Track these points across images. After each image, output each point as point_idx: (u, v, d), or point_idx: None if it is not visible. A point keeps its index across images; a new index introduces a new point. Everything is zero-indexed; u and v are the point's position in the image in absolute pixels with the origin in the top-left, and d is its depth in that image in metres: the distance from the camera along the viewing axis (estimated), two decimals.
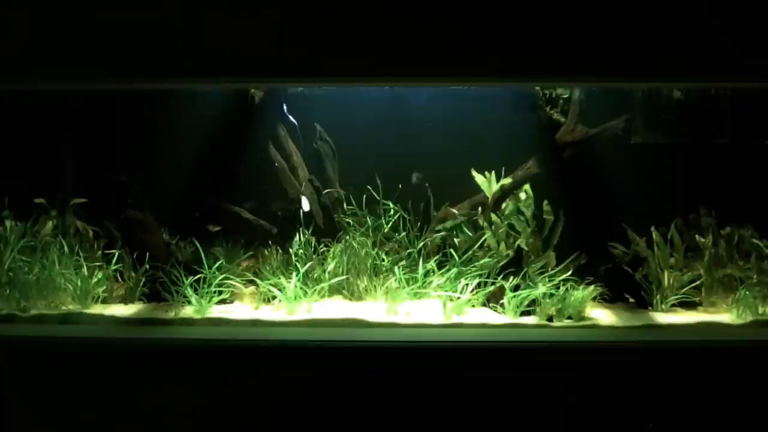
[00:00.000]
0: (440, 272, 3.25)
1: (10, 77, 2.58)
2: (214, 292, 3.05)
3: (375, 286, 3.28)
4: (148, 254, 3.19)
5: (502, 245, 3.35)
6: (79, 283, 3.08)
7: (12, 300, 3.02)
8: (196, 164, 3.68)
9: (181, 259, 3.19)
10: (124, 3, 2.48)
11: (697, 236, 3.30)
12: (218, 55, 2.49)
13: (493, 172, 3.53)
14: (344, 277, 3.30)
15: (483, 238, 3.39)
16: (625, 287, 3.23)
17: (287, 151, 3.76)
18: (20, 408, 2.62)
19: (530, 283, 3.04)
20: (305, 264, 3.25)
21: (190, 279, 3.03)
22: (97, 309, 3.06)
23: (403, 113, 3.74)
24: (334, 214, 3.68)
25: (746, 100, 3.47)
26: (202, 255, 3.13)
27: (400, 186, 3.62)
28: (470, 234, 3.48)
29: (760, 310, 3.00)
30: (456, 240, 3.48)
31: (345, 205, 3.71)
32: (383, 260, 3.37)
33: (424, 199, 3.63)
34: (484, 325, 2.89)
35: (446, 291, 3.05)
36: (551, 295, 2.96)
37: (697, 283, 3.16)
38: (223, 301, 3.11)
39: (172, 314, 2.95)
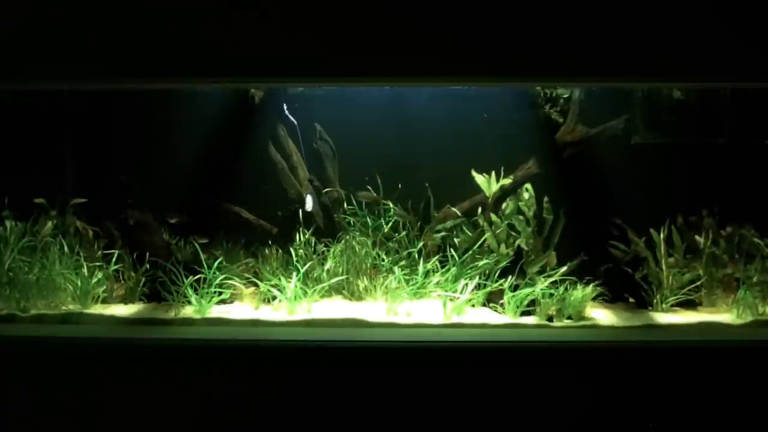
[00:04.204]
0: (440, 272, 3.25)
1: (9, 77, 2.58)
2: (214, 292, 3.05)
3: (375, 286, 3.28)
4: (148, 254, 3.19)
5: (502, 245, 3.35)
6: (79, 283, 3.08)
7: (12, 300, 3.02)
8: (196, 164, 3.68)
9: (181, 259, 3.19)
10: (124, 2, 2.48)
11: (696, 236, 3.30)
12: (218, 55, 2.49)
13: (493, 173, 3.53)
14: (343, 277, 3.30)
15: (483, 238, 3.39)
16: (625, 287, 3.23)
17: (287, 151, 3.77)
18: (20, 408, 2.62)
19: (529, 281, 3.04)
20: (305, 264, 3.25)
21: (190, 279, 3.03)
22: (97, 309, 3.06)
23: (403, 113, 3.74)
24: (334, 214, 3.68)
25: (746, 100, 3.47)
26: (201, 255, 3.13)
27: (399, 186, 3.62)
28: (470, 234, 3.48)
29: (760, 310, 3.01)
30: (456, 240, 3.47)
31: (345, 205, 3.71)
32: (383, 260, 3.38)
33: (424, 199, 3.63)
34: (484, 325, 2.89)
35: (446, 291, 3.05)
36: (551, 295, 2.96)
37: (698, 283, 3.16)
38: (223, 301, 3.12)
39: (172, 314, 2.95)
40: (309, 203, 3.57)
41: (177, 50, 2.49)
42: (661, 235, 3.23)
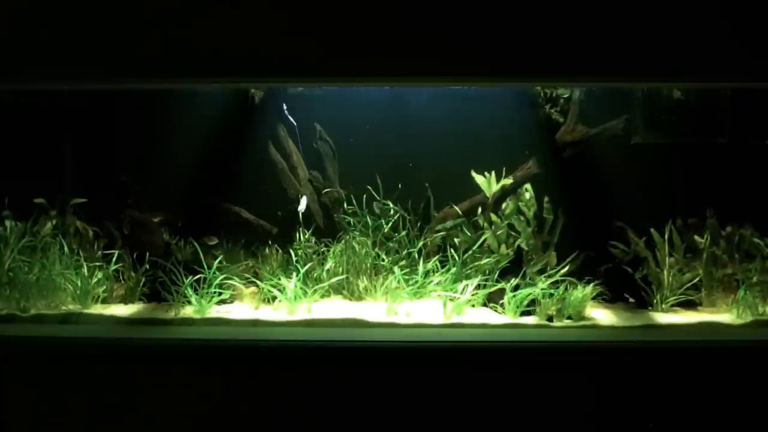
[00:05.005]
0: (440, 272, 3.25)
1: (9, 77, 2.58)
2: (214, 292, 3.05)
3: (375, 286, 3.28)
4: (148, 254, 3.19)
5: (503, 246, 3.35)
6: (79, 283, 3.08)
7: (12, 300, 3.02)
8: (196, 164, 3.68)
9: (180, 259, 3.19)
10: (124, 2, 2.48)
11: (695, 236, 3.30)
12: (218, 55, 2.49)
13: (493, 172, 3.53)
14: (343, 276, 3.30)
15: (483, 238, 3.39)
16: (625, 287, 3.23)
17: (287, 151, 3.77)
18: (20, 408, 2.62)
19: (530, 282, 3.04)
20: (305, 264, 3.26)
21: (190, 279, 3.03)
22: (97, 309, 3.06)
23: (403, 113, 3.74)
24: (334, 214, 3.68)
25: (746, 100, 3.47)
26: (201, 256, 3.13)
27: (399, 186, 3.62)
28: (468, 234, 3.48)
29: (760, 310, 3.01)
30: (456, 240, 3.47)
31: (345, 205, 3.71)
32: (383, 260, 3.38)
33: (424, 199, 3.63)
34: (484, 325, 2.89)
35: (446, 291, 3.05)
36: (551, 295, 2.96)
37: (695, 281, 3.16)
38: (223, 301, 3.12)
39: (172, 314, 2.95)
40: (303, 204, 3.57)
41: (177, 50, 2.49)
42: (665, 235, 3.23)
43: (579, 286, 3.00)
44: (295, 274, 3.13)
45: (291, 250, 3.39)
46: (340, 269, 3.34)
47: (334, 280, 3.26)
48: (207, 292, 3.03)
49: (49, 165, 3.75)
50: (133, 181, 3.38)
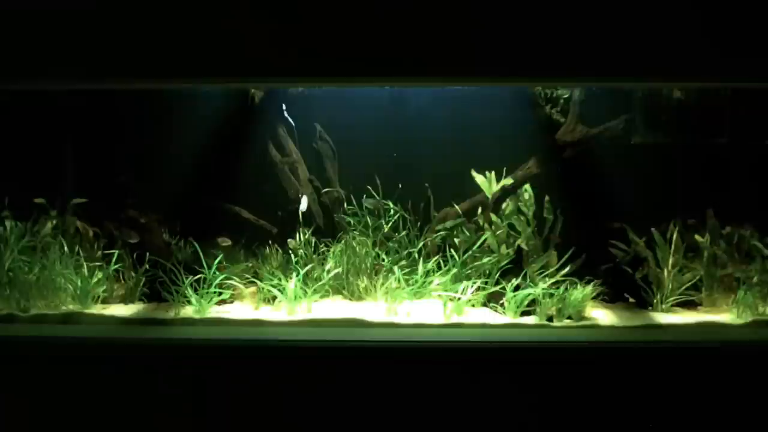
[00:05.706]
0: (440, 272, 3.25)
1: (9, 77, 2.58)
2: (214, 292, 3.05)
3: (375, 286, 3.28)
4: (148, 254, 3.19)
5: (503, 246, 3.34)
6: (79, 283, 3.08)
7: (12, 300, 3.02)
8: (196, 164, 3.68)
9: (181, 259, 3.19)
10: (124, 2, 2.48)
11: (696, 236, 3.30)
12: (218, 55, 2.49)
13: (493, 172, 3.53)
14: (338, 270, 3.29)
15: (483, 238, 3.38)
16: (625, 287, 3.23)
17: (287, 151, 3.77)
18: (20, 408, 2.62)
19: (530, 284, 3.04)
20: (305, 264, 3.25)
21: (190, 279, 3.03)
22: (97, 309, 3.06)
23: (403, 113, 3.74)
24: (334, 214, 3.68)
25: (746, 100, 3.47)
26: (202, 256, 3.13)
27: (399, 186, 3.62)
28: (467, 233, 3.48)
29: (760, 310, 3.01)
30: (456, 240, 3.47)
31: (345, 205, 3.71)
32: (383, 260, 3.38)
33: (424, 199, 3.63)
34: (484, 325, 2.89)
35: (446, 291, 3.05)
36: (551, 295, 2.96)
37: (696, 281, 3.16)
38: (223, 301, 3.12)
39: (172, 314, 2.95)
40: (303, 204, 3.57)
41: (177, 50, 2.49)
42: (673, 236, 3.21)
43: (579, 286, 3.00)
44: (294, 274, 3.13)
45: (290, 251, 3.39)
46: (341, 269, 3.34)
47: (332, 274, 3.25)
48: (207, 292, 3.03)
49: (49, 165, 3.75)
50: (133, 181, 3.38)
